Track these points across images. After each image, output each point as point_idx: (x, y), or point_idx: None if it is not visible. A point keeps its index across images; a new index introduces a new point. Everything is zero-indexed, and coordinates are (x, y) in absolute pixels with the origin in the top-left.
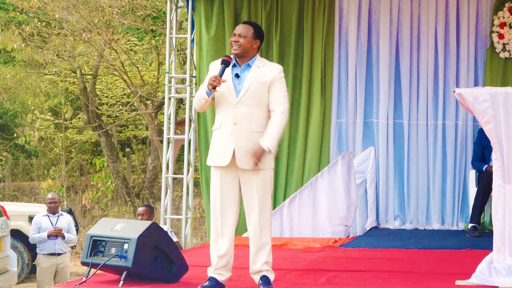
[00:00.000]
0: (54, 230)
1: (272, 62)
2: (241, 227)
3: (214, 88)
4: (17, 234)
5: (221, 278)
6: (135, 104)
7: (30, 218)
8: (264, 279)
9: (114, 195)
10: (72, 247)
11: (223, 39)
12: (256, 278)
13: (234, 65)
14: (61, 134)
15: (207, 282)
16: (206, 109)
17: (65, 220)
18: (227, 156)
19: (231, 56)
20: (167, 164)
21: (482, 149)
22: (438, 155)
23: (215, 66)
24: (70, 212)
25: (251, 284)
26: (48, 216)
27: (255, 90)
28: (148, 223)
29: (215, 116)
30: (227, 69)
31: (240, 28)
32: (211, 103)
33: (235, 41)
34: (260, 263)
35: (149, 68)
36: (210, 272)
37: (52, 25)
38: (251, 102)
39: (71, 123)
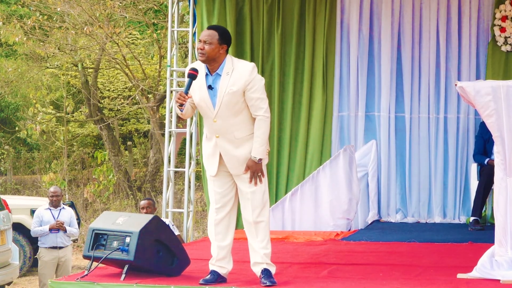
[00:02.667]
0: (56, 224)
1: (242, 61)
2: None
3: (181, 105)
4: (19, 228)
5: (222, 271)
6: (137, 97)
7: (32, 212)
8: (265, 272)
9: (115, 189)
10: (74, 241)
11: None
12: (257, 271)
13: (206, 75)
14: (63, 127)
15: (209, 275)
16: (190, 116)
17: (67, 214)
18: (214, 167)
19: (196, 68)
20: (169, 157)
21: (484, 142)
22: (440, 148)
23: (187, 71)
24: (72, 205)
25: (252, 278)
26: (50, 209)
27: (229, 101)
28: (150, 216)
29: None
30: (200, 82)
31: (205, 34)
32: (194, 110)
33: (200, 49)
34: (259, 255)
35: (151, 62)
36: (212, 265)
37: (54, 19)
38: (227, 113)
39: (73, 116)
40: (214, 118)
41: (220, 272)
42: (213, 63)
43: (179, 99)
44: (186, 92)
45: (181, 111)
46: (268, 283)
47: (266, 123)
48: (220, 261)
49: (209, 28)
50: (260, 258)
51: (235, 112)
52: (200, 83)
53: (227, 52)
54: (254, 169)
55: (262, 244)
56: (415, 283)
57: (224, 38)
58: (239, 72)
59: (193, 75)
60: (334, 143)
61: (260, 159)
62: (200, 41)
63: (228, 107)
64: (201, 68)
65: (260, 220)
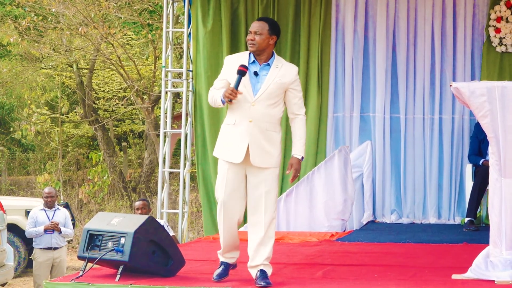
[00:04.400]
0: (51, 224)
1: (289, 63)
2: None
3: (230, 101)
4: (13, 229)
5: (231, 261)
6: (132, 98)
7: (27, 212)
8: (262, 273)
9: (110, 189)
10: (69, 241)
11: (219, 33)
12: (254, 272)
13: (253, 62)
14: (58, 128)
15: (220, 268)
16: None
17: (61, 214)
18: (241, 153)
19: (246, 65)
20: (164, 158)
21: (479, 143)
22: (435, 149)
23: (231, 64)
24: (66, 206)
25: (247, 278)
26: (44, 210)
27: (273, 91)
28: (145, 217)
29: (228, 111)
30: (243, 63)
31: (255, 25)
32: None
33: (251, 39)
34: (262, 258)
35: (146, 62)
36: (221, 256)
37: (49, 19)
38: (268, 101)
39: (68, 117)
40: (253, 102)
41: (230, 262)
42: (262, 53)
43: (230, 95)
44: (236, 87)
45: (223, 104)
46: (263, 284)
47: (304, 123)
48: (229, 253)
49: (259, 19)
50: (261, 261)
51: (274, 103)
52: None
53: (275, 44)
54: (297, 167)
55: (267, 249)
56: (410, 284)
57: (274, 29)
58: (288, 69)
59: (243, 71)
60: (329, 143)
61: (303, 158)
62: (250, 32)
63: (269, 96)
64: (245, 57)
65: (271, 222)
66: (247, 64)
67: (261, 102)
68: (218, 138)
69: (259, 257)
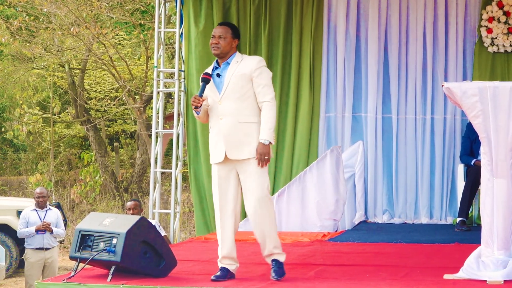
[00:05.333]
0: (42, 225)
1: (252, 55)
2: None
3: (196, 107)
4: (5, 229)
5: (231, 267)
6: (124, 98)
7: (18, 213)
8: (275, 262)
9: (102, 190)
10: (61, 242)
11: (211, 33)
12: (269, 261)
13: (215, 68)
14: (49, 128)
15: (219, 272)
16: (207, 121)
17: (53, 215)
18: (221, 151)
19: (209, 72)
20: (156, 158)
21: (471, 143)
22: (427, 149)
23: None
24: (58, 206)
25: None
26: (36, 210)
27: (236, 84)
28: (137, 217)
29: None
30: (210, 71)
31: (219, 30)
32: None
33: (215, 43)
34: (270, 247)
35: (138, 62)
36: (221, 263)
37: (40, 19)
38: (233, 96)
39: (60, 117)
40: (219, 100)
41: (229, 268)
42: (225, 56)
43: (194, 102)
44: (201, 95)
45: (197, 113)
46: (276, 278)
47: (273, 109)
48: (228, 259)
49: (221, 24)
50: (271, 249)
51: (241, 96)
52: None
53: (237, 47)
54: (262, 151)
55: (271, 238)
56: (402, 284)
57: (236, 33)
58: (248, 61)
59: (206, 79)
60: (321, 144)
61: (269, 142)
62: (214, 36)
63: (234, 90)
64: (211, 67)
65: (268, 211)
66: (210, 72)
67: (227, 98)
68: None
69: (267, 248)
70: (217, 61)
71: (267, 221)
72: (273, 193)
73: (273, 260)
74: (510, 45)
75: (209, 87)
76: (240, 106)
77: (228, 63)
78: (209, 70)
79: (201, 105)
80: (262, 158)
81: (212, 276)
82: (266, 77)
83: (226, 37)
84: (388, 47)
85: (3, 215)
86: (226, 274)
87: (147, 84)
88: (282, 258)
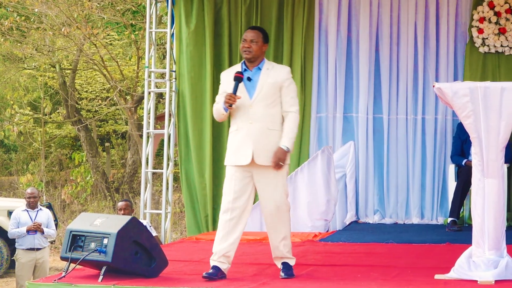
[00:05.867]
0: (33, 225)
1: (281, 64)
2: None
3: (230, 106)
4: None
5: (223, 266)
6: (115, 98)
7: (9, 213)
8: (285, 265)
9: (93, 190)
10: (52, 242)
11: (203, 33)
12: (278, 263)
13: (245, 70)
14: (40, 128)
15: (211, 270)
16: (225, 119)
17: (44, 215)
18: (247, 155)
19: (242, 71)
20: (147, 158)
21: (462, 143)
22: (418, 149)
23: (226, 77)
24: (49, 207)
25: (231, 277)
26: (27, 211)
27: (268, 91)
28: (128, 217)
29: (231, 120)
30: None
31: (251, 34)
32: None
33: (247, 47)
34: (284, 251)
35: (129, 63)
36: (213, 261)
37: (31, 19)
38: (264, 102)
39: (51, 117)
40: (251, 105)
41: (221, 267)
42: (256, 60)
43: (229, 100)
44: (235, 93)
45: (226, 111)
46: (285, 276)
47: (297, 121)
48: (222, 257)
49: (253, 28)
50: (284, 253)
51: (270, 103)
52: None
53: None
54: (280, 156)
55: (287, 242)
56: (393, 284)
57: (266, 38)
58: (279, 70)
59: (240, 78)
60: (312, 144)
61: (288, 149)
62: (245, 40)
63: (265, 97)
64: (238, 67)
65: (286, 218)
66: (240, 71)
67: (259, 104)
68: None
69: (280, 251)
70: (245, 63)
71: (285, 226)
72: None
73: (284, 263)
74: (501, 46)
75: (239, 89)
76: (268, 112)
77: (259, 69)
78: (237, 68)
79: (235, 103)
80: (277, 161)
81: (204, 273)
82: (294, 89)
83: (257, 42)
84: (379, 48)
85: None
86: (217, 272)
87: (138, 84)
88: (292, 262)
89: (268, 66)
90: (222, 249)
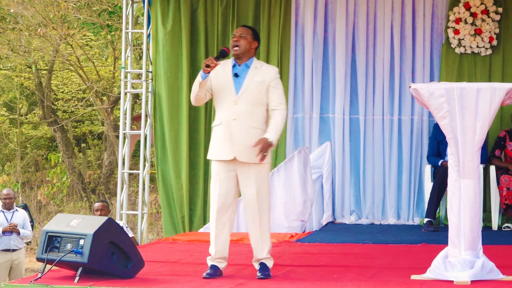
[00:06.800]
0: (9, 226)
1: (269, 64)
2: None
3: (207, 66)
4: None
5: (221, 265)
6: (91, 99)
7: None
8: (262, 265)
9: (69, 191)
10: (27, 243)
11: (179, 34)
12: (256, 265)
13: (233, 66)
14: (16, 129)
15: (210, 270)
16: (201, 103)
17: (20, 216)
18: (229, 150)
19: (229, 49)
20: (123, 159)
21: (438, 144)
22: (394, 150)
23: (214, 73)
24: (25, 207)
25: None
26: (3, 212)
27: (254, 89)
28: (104, 218)
29: (215, 113)
30: (226, 69)
31: (240, 30)
32: (209, 97)
33: (236, 41)
34: (265, 253)
35: (105, 63)
36: (210, 261)
37: (7, 20)
38: (249, 100)
39: (26, 118)
40: (235, 101)
41: (219, 266)
42: (244, 56)
43: (208, 61)
44: (217, 59)
45: (203, 78)
46: (262, 276)
47: (284, 117)
48: (219, 258)
49: (243, 26)
50: (264, 254)
51: (255, 102)
52: (226, 70)
53: (256, 50)
54: (265, 146)
55: (266, 243)
56: (369, 285)
57: (256, 35)
58: (267, 69)
59: (225, 52)
60: (289, 144)
61: (272, 143)
62: (235, 35)
63: (250, 95)
64: (228, 61)
65: (266, 217)
66: (230, 68)
67: (243, 101)
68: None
69: (261, 253)
70: (235, 60)
71: (264, 226)
72: (241, 194)
73: (261, 263)
74: (477, 46)
75: (225, 83)
76: (252, 110)
77: (248, 66)
78: (227, 64)
79: (213, 67)
80: (262, 151)
81: (204, 274)
82: (281, 89)
83: (246, 37)
84: (356, 48)
85: None
86: (216, 272)
87: (115, 85)
88: (270, 263)
89: (257, 64)
90: (219, 251)
